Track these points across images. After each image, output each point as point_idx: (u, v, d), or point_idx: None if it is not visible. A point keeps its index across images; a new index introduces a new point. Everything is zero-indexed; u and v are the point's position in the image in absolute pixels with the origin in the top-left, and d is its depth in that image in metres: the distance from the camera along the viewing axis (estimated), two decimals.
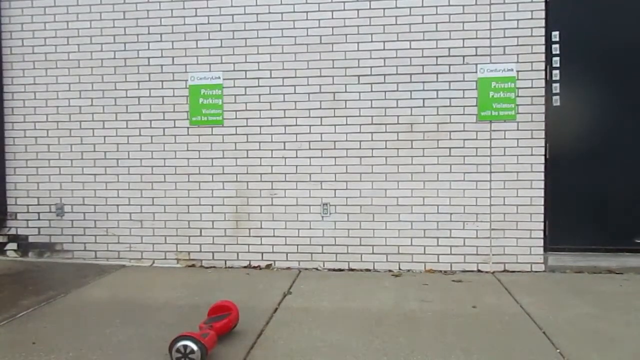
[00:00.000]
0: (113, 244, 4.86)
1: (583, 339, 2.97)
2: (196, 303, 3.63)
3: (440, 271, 4.50)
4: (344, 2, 4.56)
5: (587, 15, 4.50)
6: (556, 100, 4.51)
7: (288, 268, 4.60)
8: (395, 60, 4.53)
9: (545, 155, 4.46)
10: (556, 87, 4.51)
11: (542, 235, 4.47)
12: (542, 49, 4.44)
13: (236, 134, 4.71)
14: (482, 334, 3.07)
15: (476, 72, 4.47)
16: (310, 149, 4.63)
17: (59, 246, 4.93)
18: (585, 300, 3.66)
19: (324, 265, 4.47)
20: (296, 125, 4.63)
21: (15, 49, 4.91)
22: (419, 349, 2.84)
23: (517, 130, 4.45)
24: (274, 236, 4.67)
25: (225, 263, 4.72)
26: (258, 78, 4.66)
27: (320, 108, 4.60)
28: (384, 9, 4.52)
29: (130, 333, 3.09)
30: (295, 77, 4.61)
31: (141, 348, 2.87)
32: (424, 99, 4.53)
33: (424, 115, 4.52)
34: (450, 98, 4.49)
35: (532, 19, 4.42)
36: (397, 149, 4.58)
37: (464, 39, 4.47)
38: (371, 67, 4.56)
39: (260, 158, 4.69)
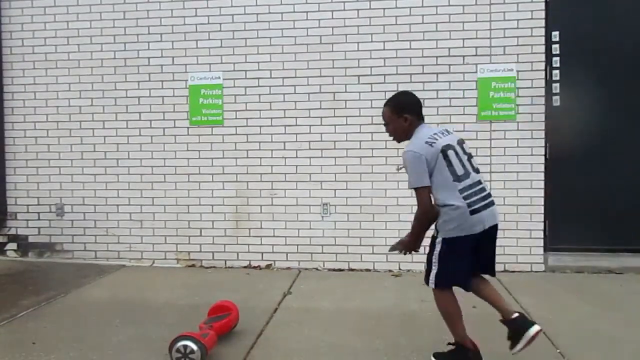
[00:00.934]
0: (113, 244, 4.86)
1: (583, 339, 2.98)
2: (196, 303, 3.62)
3: None
4: (344, 2, 4.56)
5: (587, 15, 4.50)
6: (556, 100, 4.51)
7: (288, 268, 4.59)
8: (395, 60, 4.53)
9: (545, 155, 4.45)
10: (556, 87, 4.51)
11: (542, 235, 4.47)
12: (542, 49, 4.44)
13: (236, 134, 4.70)
14: (482, 334, 3.07)
15: (476, 72, 4.47)
16: (310, 149, 4.63)
17: (59, 246, 4.93)
18: (585, 300, 3.66)
19: (324, 265, 4.47)
20: (296, 125, 4.63)
21: (15, 49, 4.91)
22: (419, 349, 2.84)
23: (517, 130, 4.45)
24: (274, 236, 4.66)
25: (225, 263, 4.71)
26: (258, 78, 4.66)
27: (320, 108, 4.60)
28: (384, 9, 4.52)
29: (130, 333, 3.09)
30: (295, 77, 4.61)
31: (141, 348, 2.87)
32: (424, 99, 4.46)
33: (424, 115, 4.51)
34: (450, 98, 4.49)
35: (532, 19, 4.42)
36: (397, 149, 4.56)
37: (464, 39, 4.46)
38: (371, 67, 4.56)
39: (260, 158, 4.69)
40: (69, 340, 2.99)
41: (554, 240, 4.52)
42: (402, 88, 4.52)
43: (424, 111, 4.58)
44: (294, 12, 4.59)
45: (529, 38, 4.42)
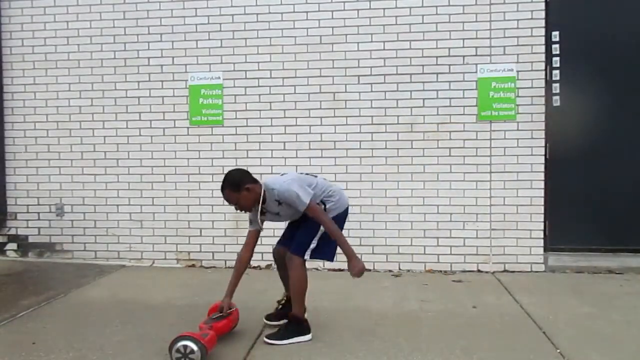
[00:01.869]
0: (113, 244, 4.86)
1: (583, 339, 2.97)
2: (196, 303, 3.62)
3: (440, 271, 4.50)
4: (344, 2, 4.56)
5: (587, 15, 4.50)
6: (556, 100, 4.51)
7: None
8: (395, 60, 4.53)
9: (545, 155, 4.45)
10: (556, 87, 4.51)
11: (542, 235, 4.47)
12: (542, 49, 4.44)
13: (236, 134, 4.70)
14: (482, 334, 3.07)
15: (476, 72, 4.46)
16: (310, 149, 4.63)
17: (59, 246, 4.93)
18: (585, 300, 3.66)
19: (323, 265, 4.47)
20: (296, 125, 4.63)
21: (15, 49, 4.91)
22: (419, 349, 2.84)
23: (517, 130, 4.45)
24: (274, 236, 4.61)
25: (225, 263, 4.71)
26: (258, 78, 4.66)
27: (320, 108, 4.60)
28: (384, 9, 4.52)
29: (130, 333, 3.09)
30: (295, 77, 4.61)
31: (141, 348, 2.87)
32: (424, 99, 4.52)
33: (424, 115, 4.52)
34: (450, 98, 4.49)
35: (532, 19, 4.42)
36: (397, 149, 4.57)
37: (464, 39, 4.46)
38: (371, 67, 4.56)
39: (260, 158, 4.69)
40: (69, 340, 2.99)
41: (554, 240, 4.52)
42: (402, 88, 4.54)
43: (424, 111, 4.63)
44: (294, 12, 4.59)
45: (529, 38, 4.42)
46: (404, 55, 4.52)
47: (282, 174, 3.09)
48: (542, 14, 4.42)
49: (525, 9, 4.41)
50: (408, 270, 4.52)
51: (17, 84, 4.91)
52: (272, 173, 4.65)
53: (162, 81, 4.75)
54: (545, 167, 4.45)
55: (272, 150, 4.67)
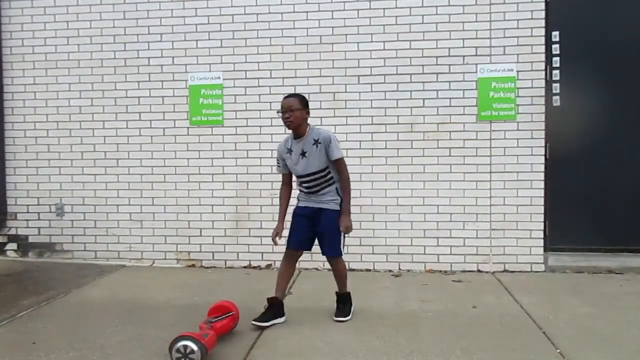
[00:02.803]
0: (113, 244, 4.86)
1: (583, 339, 2.97)
2: (196, 303, 3.62)
3: (440, 271, 4.50)
4: (344, 2, 4.56)
5: (587, 15, 4.50)
6: (556, 100, 4.51)
7: None
8: (395, 60, 4.53)
9: (545, 155, 4.45)
10: (556, 87, 4.51)
11: (542, 235, 4.47)
12: (542, 49, 4.44)
13: (236, 134, 4.71)
14: (482, 334, 3.07)
15: (476, 72, 4.47)
16: None
17: (59, 246, 4.93)
18: (585, 300, 3.66)
19: (324, 266, 4.46)
20: None
21: (15, 49, 4.91)
22: (419, 349, 2.84)
23: (517, 130, 4.45)
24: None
25: (225, 263, 4.71)
26: (258, 78, 4.66)
27: (320, 108, 4.59)
28: (384, 9, 4.52)
29: (130, 333, 3.09)
30: (295, 77, 4.61)
31: (141, 348, 2.87)
32: (424, 99, 4.52)
33: (424, 115, 4.52)
34: (450, 98, 4.49)
35: (532, 19, 4.42)
36: (397, 149, 4.57)
37: (464, 39, 4.46)
38: (371, 67, 4.56)
39: (260, 158, 4.69)
40: (69, 340, 2.99)
41: (554, 240, 4.53)
42: (402, 88, 4.54)
43: (424, 111, 4.62)
44: (294, 12, 4.60)
45: (529, 38, 4.42)
46: (404, 55, 4.52)
47: None
48: (542, 14, 4.42)
49: (525, 9, 4.42)
50: (408, 270, 4.52)
51: (17, 84, 4.91)
52: (272, 173, 4.66)
53: (162, 81, 4.76)
54: (545, 167, 4.46)
55: (272, 150, 4.66)
